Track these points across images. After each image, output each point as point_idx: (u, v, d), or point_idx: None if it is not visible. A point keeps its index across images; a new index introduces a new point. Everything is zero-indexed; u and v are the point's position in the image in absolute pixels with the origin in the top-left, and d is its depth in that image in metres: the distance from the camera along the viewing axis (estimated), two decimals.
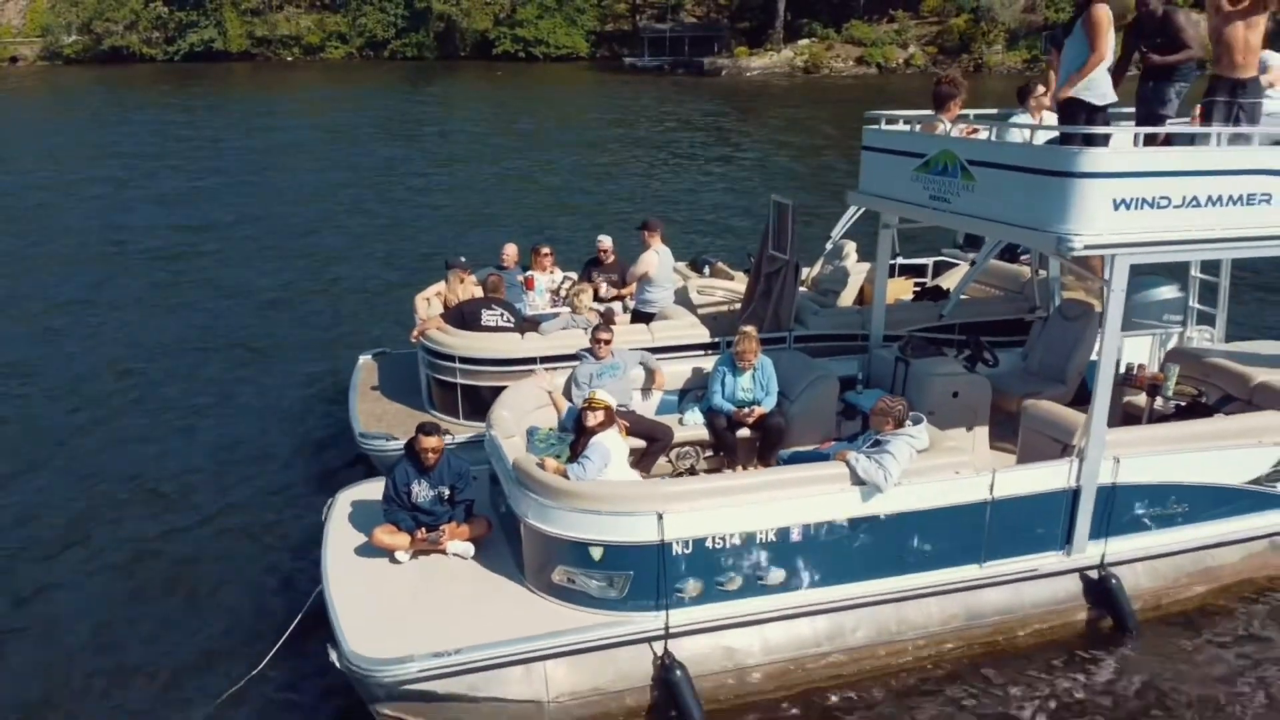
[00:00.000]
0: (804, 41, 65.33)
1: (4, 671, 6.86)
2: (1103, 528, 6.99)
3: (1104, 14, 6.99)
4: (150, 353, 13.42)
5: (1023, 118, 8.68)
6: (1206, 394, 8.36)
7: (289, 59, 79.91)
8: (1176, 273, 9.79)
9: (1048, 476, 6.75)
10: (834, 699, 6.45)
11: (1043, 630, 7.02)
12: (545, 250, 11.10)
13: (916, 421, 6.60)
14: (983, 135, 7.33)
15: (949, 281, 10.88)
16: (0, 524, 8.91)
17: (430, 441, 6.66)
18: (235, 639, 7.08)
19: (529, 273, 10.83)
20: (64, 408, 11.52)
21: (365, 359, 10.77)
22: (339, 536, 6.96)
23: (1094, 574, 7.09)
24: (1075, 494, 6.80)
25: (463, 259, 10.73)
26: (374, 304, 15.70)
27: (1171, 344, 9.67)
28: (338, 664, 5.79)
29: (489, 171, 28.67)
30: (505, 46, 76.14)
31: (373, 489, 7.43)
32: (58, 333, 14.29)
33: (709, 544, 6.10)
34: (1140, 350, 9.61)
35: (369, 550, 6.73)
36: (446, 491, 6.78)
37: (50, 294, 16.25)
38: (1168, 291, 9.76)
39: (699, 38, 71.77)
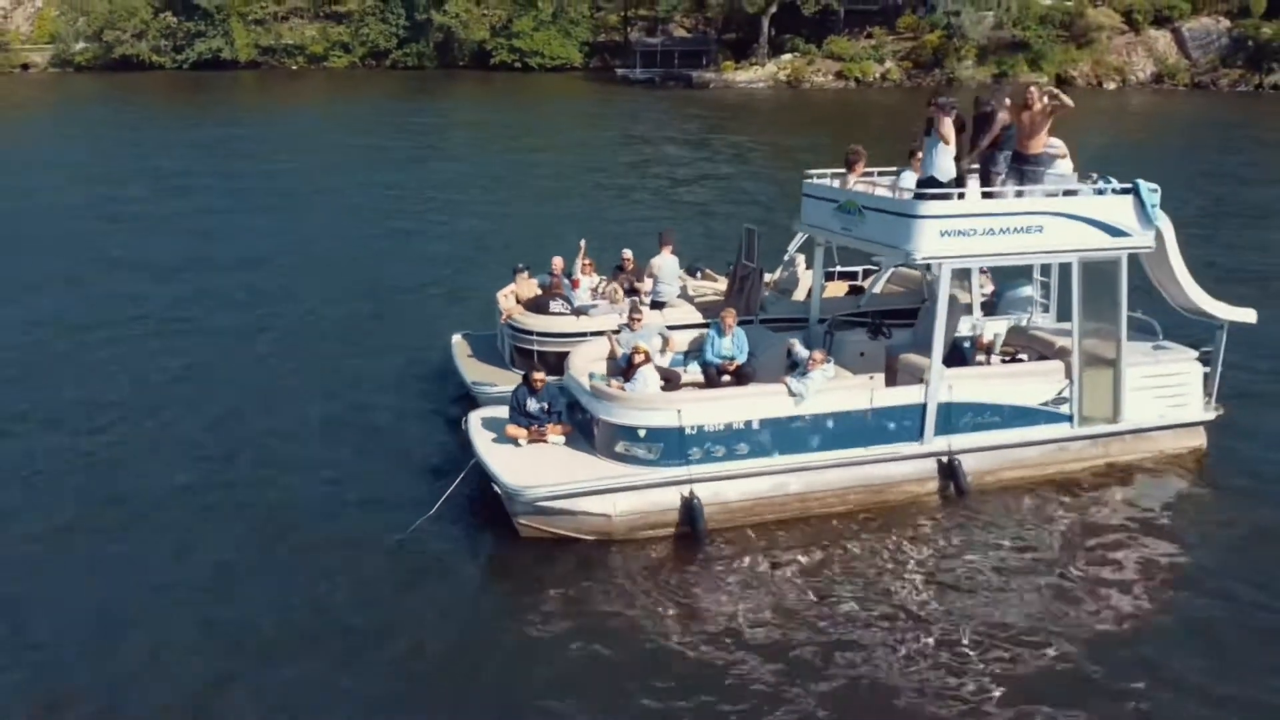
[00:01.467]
0: (787, 56, 69.31)
1: (239, 515, 11.27)
2: (944, 428, 11.46)
3: (948, 123, 11.48)
4: (265, 340, 17.63)
5: (908, 171, 13.08)
6: (1028, 356, 12.84)
7: (293, 68, 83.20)
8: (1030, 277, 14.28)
9: (906, 394, 11.28)
10: (779, 525, 10.95)
11: (907, 492, 11.49)
12: (586, 261, 15.55)
13: (829, 362, 11.11)
14: (880, 188, 11.84)
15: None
16: (228, 427, 13.34)
17: (539, 374, 11.19)
18: (410, 502, 11.43)
19: (575, 275, 15.26)
20: (216, 380, 15.86)
21: (457, 337, 15.09)
22: (479, 432, 11.37)
23: (939, 459, 11.56)
24: (924, 406, 11.30)
25: (524, 266, 15.15)
26: (451, 299, 19.83)
27: (1023, 324, 14.18)
28: (498, 490, 10.28)
29: (516, 192, 32.26)
30: (502, 57, 79.09)
31: (491, 411, 11.85)
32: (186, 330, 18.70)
33: (707, 428, 10.59)
34: (1001, 329, 14.10)
35: (499, 439, 11.16)
36: (547, 406, 11.23)
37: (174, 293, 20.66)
38: (1028, 290, 14.26)
39: (688, 51, 75.53)
